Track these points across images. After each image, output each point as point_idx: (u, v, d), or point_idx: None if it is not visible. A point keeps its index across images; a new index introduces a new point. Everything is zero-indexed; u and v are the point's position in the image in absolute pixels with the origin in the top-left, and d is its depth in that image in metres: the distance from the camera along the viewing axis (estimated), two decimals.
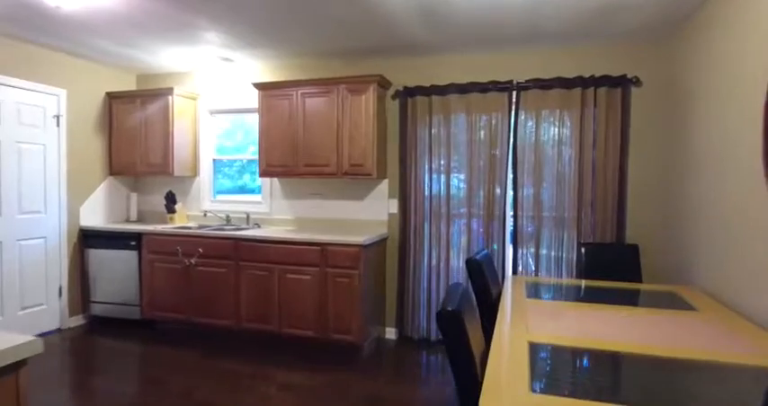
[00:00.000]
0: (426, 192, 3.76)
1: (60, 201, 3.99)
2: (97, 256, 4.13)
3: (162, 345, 3.68)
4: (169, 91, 4.15)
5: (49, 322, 3.95)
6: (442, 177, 3.71)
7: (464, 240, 3.68)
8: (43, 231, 3.87)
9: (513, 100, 3.55)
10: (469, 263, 2.38)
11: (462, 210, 3.70)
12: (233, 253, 3.67)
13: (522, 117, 3.52)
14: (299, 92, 3.75)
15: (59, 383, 3.00)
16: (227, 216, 4.34)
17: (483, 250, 2.64)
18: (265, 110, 3.88)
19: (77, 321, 4.16)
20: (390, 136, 3.90)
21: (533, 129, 3.51)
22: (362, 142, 3.59)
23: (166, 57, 3.98)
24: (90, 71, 4.20)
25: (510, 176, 3.57)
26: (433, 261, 3.77)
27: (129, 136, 4.33)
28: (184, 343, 3.71)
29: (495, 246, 3.59)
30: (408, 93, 3.77)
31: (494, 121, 3.58)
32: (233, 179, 4.67)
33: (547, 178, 3.49)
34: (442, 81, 3.70)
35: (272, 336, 3.64)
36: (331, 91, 3.66)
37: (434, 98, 3.70)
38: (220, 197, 4.56)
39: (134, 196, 4.66)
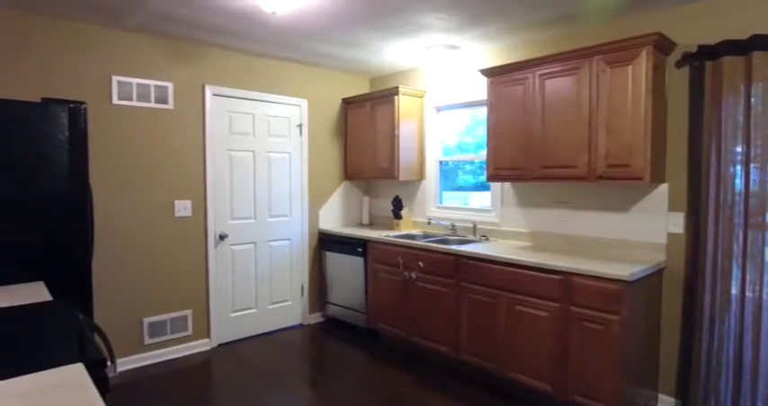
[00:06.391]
0: (736, 200, 2.44)
1: (303, 205, 4.23)
2: (332, 259, 4.23)
3: (379, 361, 3.44)
4: (394, 90, 3.91)
5: (293, 317, 4.24)
6: None
7: None
8: (288, 233, 4.16)
9: None
10: None
11: None
12: (453, 271, 3.15)
13: None
14: (537, 73, 2.93)
15: (272, 374, 3.05)
16: (452, 225, 3.86)
17: None
18: (494, 101, 3.20)
19: (315, 318, 4.37)
20: (673, 122, 2.70)
21: None
22: (627, 133, 2.55)
23: (391, 54, 3.73)
24: (327, 79, 4.33)
25: None
26: (747, 307, 2.42)
27: (360, 140, 4.31)
28: (401, 363, 3.39)
29: None
30: (706, 54, 2.50)
31: None
32: (458, 180, 4.17)
33: None
34: None
35: (494, 378, 2.97)
36: (580, 66, 2.73)
37: (756, 55, 2.34)
38: (448, 196, 4.12)
39: (366, 200, 4.66)
